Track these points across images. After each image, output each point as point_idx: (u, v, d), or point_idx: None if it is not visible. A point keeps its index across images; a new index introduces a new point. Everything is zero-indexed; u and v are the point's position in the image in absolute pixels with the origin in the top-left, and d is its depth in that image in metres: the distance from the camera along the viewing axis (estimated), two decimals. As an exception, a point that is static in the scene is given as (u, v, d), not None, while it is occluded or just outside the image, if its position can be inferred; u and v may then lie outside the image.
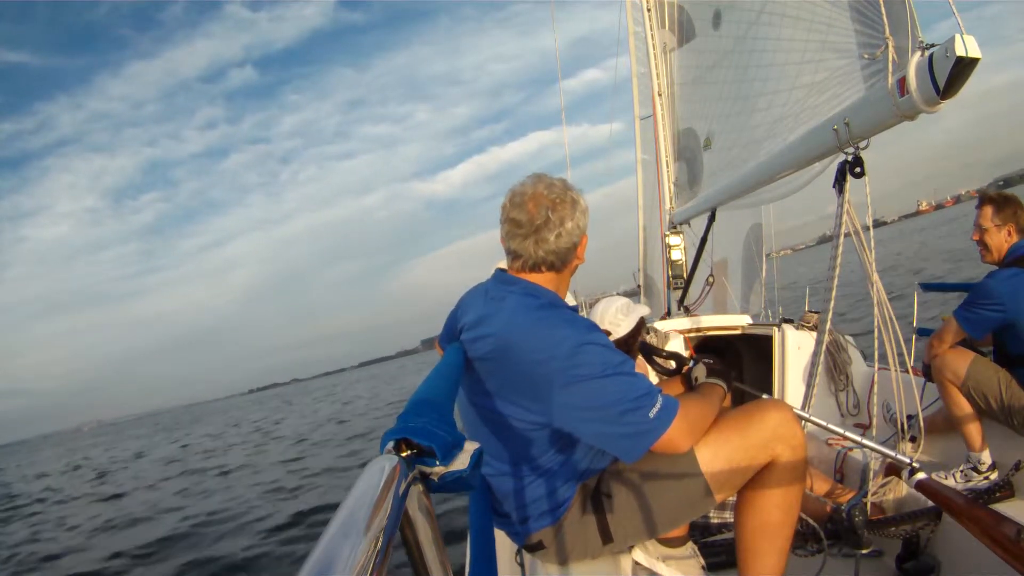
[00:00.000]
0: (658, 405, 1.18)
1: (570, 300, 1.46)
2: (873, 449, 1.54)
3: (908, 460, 1.45)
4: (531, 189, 1.33)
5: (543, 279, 1.35)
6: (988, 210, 2.21)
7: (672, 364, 1.63)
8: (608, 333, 2.13)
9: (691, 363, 1.55)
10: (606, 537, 1.32)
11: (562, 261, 1.34)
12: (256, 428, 21.80)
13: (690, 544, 1.68)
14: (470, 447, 0.78)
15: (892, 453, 1.51)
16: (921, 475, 1.41)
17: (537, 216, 1.29)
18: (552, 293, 1.35)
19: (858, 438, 1.56)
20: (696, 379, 1.49)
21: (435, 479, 0.74)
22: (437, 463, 0.74)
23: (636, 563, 1.51)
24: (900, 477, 1.80)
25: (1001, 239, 2.19)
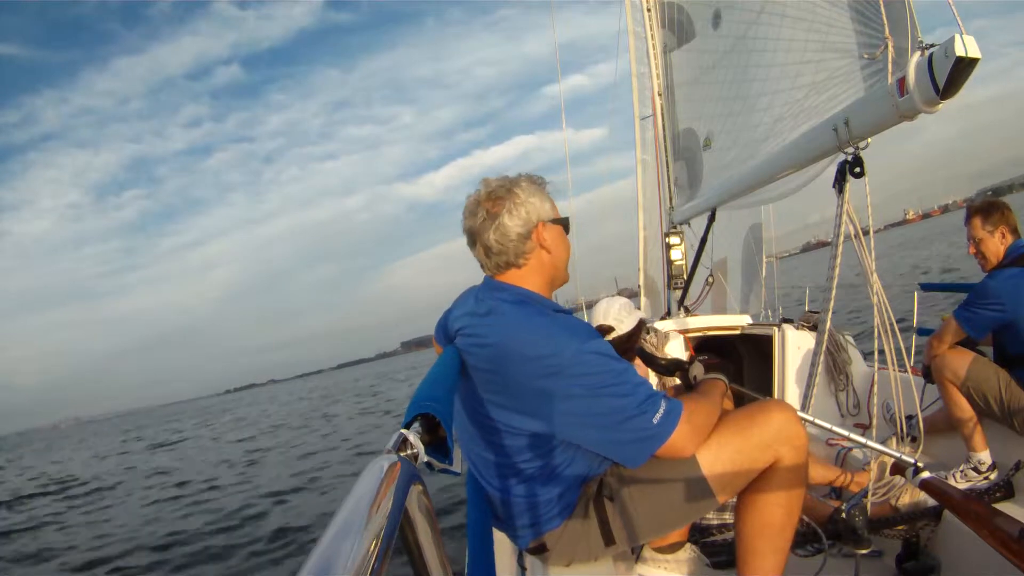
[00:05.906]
0: (661, 410, 1.16)
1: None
2: (877, 450, 1.54)
3: (912, 460, 1.45)
4: (473, 196, 1.31)
5: (518, 280, 1.31)
6: (977, 220, 2.24)
7: (671, 367, 1.62)
8: (611, 329, 2.13)
9: (688, 364, 1.54)
10: (608, 539, 1.31)
11: (515, 255, 1.28)
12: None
13: (688, 546, 1.67)
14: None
15: (897, 453, 1.50)
16: (926, 474, 1.41)
17: (476, 221, 1.27)
18: (543, 298, 1.32)
19: (862, 439, 1.55)
20: (695, 378, 1.48)
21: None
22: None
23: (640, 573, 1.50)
24: (904, 477, 1.80)
25: (996, 244, 2.21)
